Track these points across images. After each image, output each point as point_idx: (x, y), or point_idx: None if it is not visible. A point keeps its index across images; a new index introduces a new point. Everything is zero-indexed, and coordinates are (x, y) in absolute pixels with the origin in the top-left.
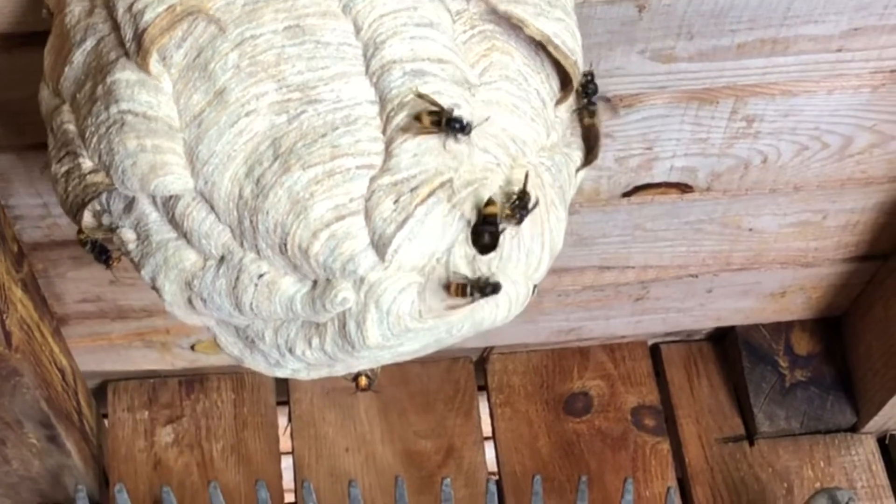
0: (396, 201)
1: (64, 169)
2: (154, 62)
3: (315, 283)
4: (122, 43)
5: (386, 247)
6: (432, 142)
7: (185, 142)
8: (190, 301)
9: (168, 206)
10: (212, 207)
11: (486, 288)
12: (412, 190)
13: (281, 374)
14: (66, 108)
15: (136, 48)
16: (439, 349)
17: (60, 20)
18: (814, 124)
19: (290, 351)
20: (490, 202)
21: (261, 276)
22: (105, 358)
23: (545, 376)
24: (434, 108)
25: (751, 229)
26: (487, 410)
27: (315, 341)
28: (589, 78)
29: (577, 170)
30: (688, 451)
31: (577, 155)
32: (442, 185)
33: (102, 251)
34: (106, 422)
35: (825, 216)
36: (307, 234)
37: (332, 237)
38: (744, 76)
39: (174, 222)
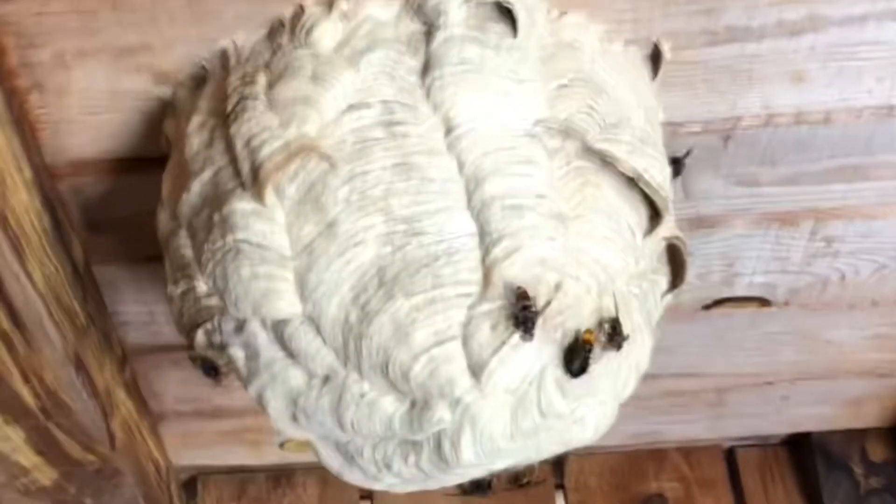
0: (493, 328)
1: (180, 291)
2: (269, 195)
3: (413, 403)
4: (238, 174)
5: (482, 370)
6: (529, 272)
7: (295, 270)
8: (294, 417)
9: (277, 328)
10: (318, 330)
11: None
12: (508, 318)
13: (378, 487)
14: (182, 232)
15: (252, 181)
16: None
17: (180, 149)
18: (892, 245)
19: (388, 467)
20: (589, 331)
21: (363, 395)
22: (197, 453)
23: (621, 477)
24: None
25: (828, 341)
26: None
27: (412, 458)
28: None
29: (664, 294)
30: None
31: (664, 280)
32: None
33: (212, 368)
34: None
35: None
36: (408, 358)
37: (431, 360)
38: (825, 200)
39: (282, 343)
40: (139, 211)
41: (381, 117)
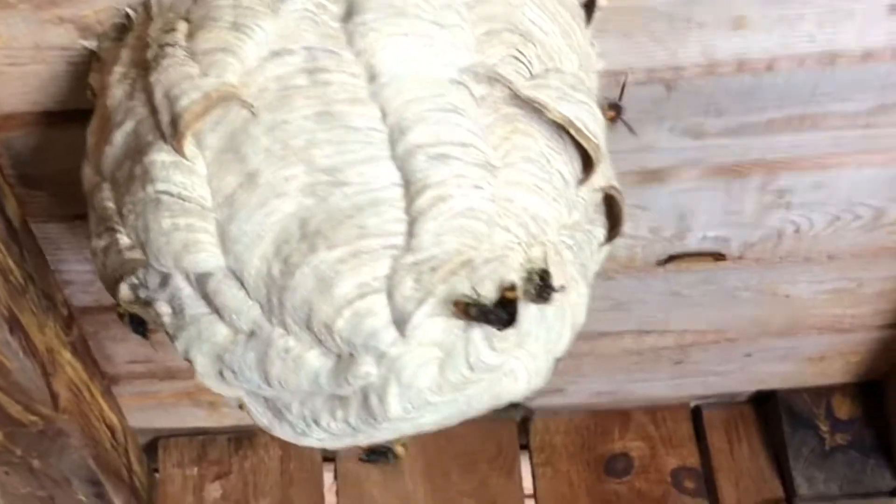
0: (417, 280)
1: (103, 244)
2: (189, 145)
3: (339, 357)
4: (158, 126)
5: (406, 323)
6: (455, 222)
7: (217, 221)
8: (221, 373)
9: (201, 282)
10: (242, 284)
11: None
12: (432, 269)
13: (307, 443)
14: (105, 185)
15: (172, 131)
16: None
17: (103, 102)
18: (845, 196)
19: (316, 422)
20: (511, 287)
21: (288, 350)
22: (155, 416)
23: (586, 437)
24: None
25: (787, 296)
26: (529, 470)
27: (339, 413)
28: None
29: (601, 245)
30: None
31: (601, 231)
32: (462, 264)
33: (139, 323)
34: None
35: (860, 284)
36: (331, 311)
37: (354, 314)
38: (773, 151)
39: (206, 298)
40: (74, 166)
41: (304, 64)
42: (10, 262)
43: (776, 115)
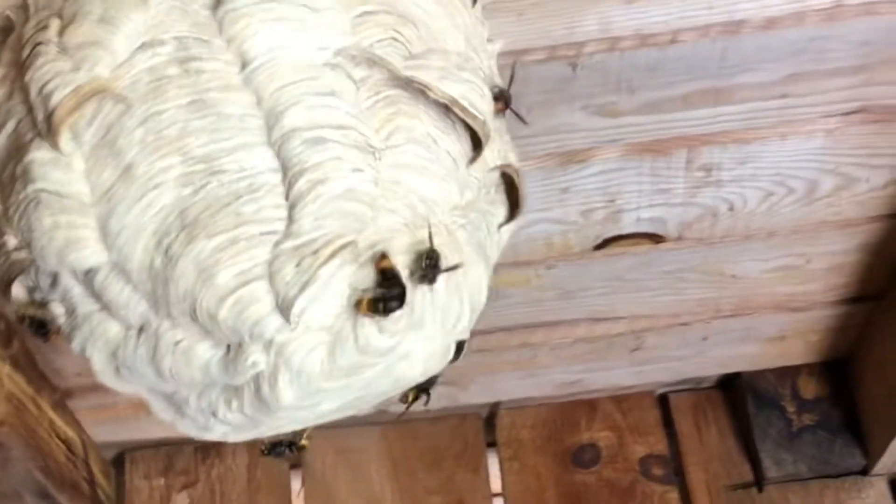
0: (298, 265)
1: None
2: (66, 141)
3: (228, 347)
4: (35, 123)
5: (289, 309)
6: (334, 205)
7: (97, 217)
8: (118, 370)
9: (88, 279)
10: (127, 279)
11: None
12: (313, 253)
13: (210, 437)
14: None
15: (47, 128)
16: (366, 407)
17: None
18: (774, 170)
19: (214, 414)
20: (383, 256)
21: (177, 343)
22: (117, 428)
23: (553, 429)
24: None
25: (734, 276)
26: (498, 465)
27: (235, 404)
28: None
29: (501, 225)
30: (696, 499)
31: (501, 211)
32: (343, 246)
33: (40, 326)
34: None
35: (808, 260)
36: (214, 301)
37: (237, 302)
38: (692, 126)
39: (95, 295)
40: None
41: (175, 54)
42: None
43: (688, 89)
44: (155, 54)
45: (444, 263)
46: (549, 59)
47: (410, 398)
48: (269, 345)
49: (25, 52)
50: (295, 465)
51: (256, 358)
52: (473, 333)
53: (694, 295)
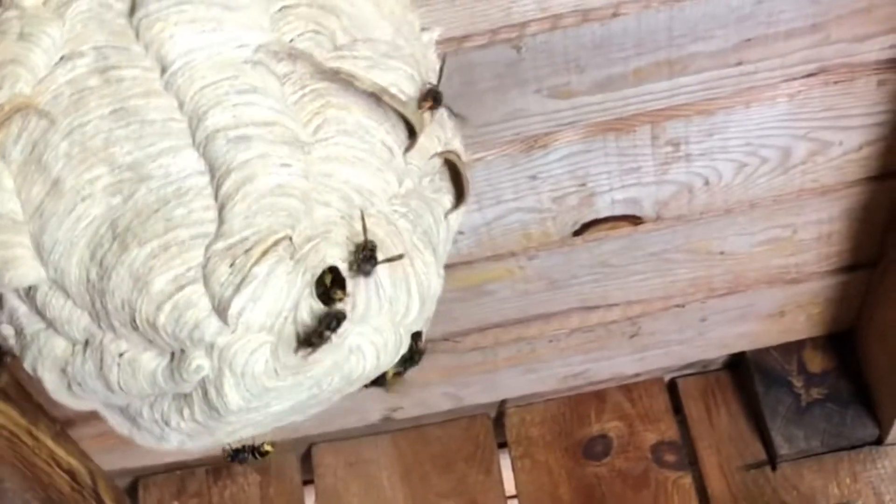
0: (232, 264)
1: None
2: None
3: (172, 355)
4: None
5: (226, 310)
6: (264, 202)
7: (31, 234)
8: (70, 387)
9: (30, 297)
10: (67, 294)
11: (330, 323)
12: (246, 251)
13: (168, 447)
14: None
15: None
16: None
17: None
18: (744, 140)
19: (167, 424)
20: (332, 270)
21: (121, 354)
22: (127, 455)
23: (563, 424)
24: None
25: (721, 252)
26: (509, 465)
27: (186, 412)
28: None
29: (448, 213)
30: (710, 482)
31: (447, 199)
32: (277, 242)
33: None
34: None
35: (794, 230)
36: (152, 308)
37: (174, 308)
38: (651, 101)
39: (39, 313)
40: None
41: (95, 64)
42: None
43: (640, 63)
44: (74, 66)
45: (382, 254)
46: (490, 44)
47: (391, 374)
48: (210, 349)
49: None
50: (308, 481)
51: (200, 363)
52: (468, 332)
53: (684, 275)
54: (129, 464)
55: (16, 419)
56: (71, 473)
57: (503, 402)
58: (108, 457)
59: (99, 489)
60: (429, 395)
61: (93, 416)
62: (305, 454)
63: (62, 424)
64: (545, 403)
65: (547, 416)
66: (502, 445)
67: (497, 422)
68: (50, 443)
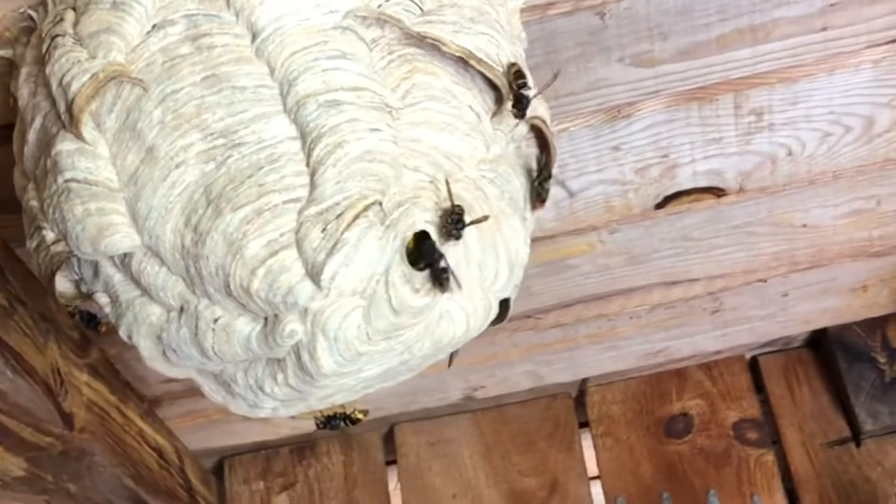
0: (324, 229)
1: (34, 243)
2: (88, 129)
3: (266, 320)
4: (58, 115)
5: (319, 275)
6: (354, 167)
7: (126, 201)
8: (165, 354)
9: (125, 264)
10: (161, 260)
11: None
12: (338, 217)
13: (262, 414)
14: (30, 185)
15: (69, 118)
16: (414, 371)
17: (18, 105)
18: (827, 108)
19: (261, 389)
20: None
21: (216, 320)
22: (212, 435)
23: (644, 402)
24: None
25: (804, 225)
26: (590, 443)
27: (280, 377)
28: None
29: (535, 180)
30: (793, 459)
31: (534, 165)
32: (367, 207)
33: (90, 318)
34: None
35: (878, 202)
36: (246, 273)
37: (268, 273)
38: (734, 69)
39: (135, 280)
40: None
41: (186, 32)
42: None
43: (724, 29)
44: (167, 35)
45: (469, 217)
46: (574, 11)
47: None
48: (304, 313)
49: (44, 47)
50: (391, 461)
51: (294, 327)
52: (549, 309)
53: (767, 249)
54: (214, 444)
55: (106, 396)
56: (158, 451)
57: (584, 381)
58: (193, 436)
59: (185, 467)
60: (510, 373)
61: (179, 396)
62: (388, 434)
63: (149, 403)
64: (626, 382)
65: (628, 394)
66: (583, 424)
67: (578, 400)
68: (138, 420)
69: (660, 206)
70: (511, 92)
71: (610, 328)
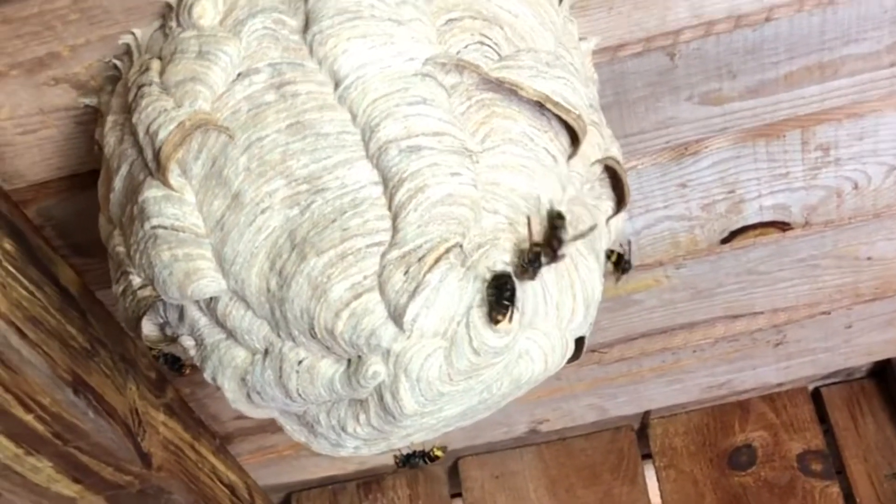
0: (406, 272)
1: (121, 288)
2: (175, 176)
3: (349, 361)
4: (145, 163)
5: (402, 317)
6: (436, 211)
7: (212, 246)
8: (249, 396)
9: (211, 308)
10: (247, 304)
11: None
12: (420, 259)
13: (344, 453)
14: (116, 231)
15: (156, 166)
16: (491, 410)
17: (104, 152)
18: (893, 142)
19: (344, 430)
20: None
21: (300, 362)
22: (281, 470)
23: (707, 434)
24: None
25: (869, 258)
26: (653, 476)
27: (362, 417)
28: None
29: (608, 219)
30: (858, 491)
31: (608, 205)
32: (448, 250)
33: (174, 361)
34: None
35: None
36: (330, 316)
37: (352, 315)
38: (802, 106)
39: (220, 323)
40: None
41: (270, 80)
42: (71, 329)
43: (791, 67)
44: (252, 83)
45: (545, 258)
46: (645, 52)
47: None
48: (386, 354)
49: (131, 96)
50: (456, 494)
51: (376, 369)
52: (614, 343)
53: (831, 281)
54: (283, 479)
55: (181, 434)
56: (231, 487)
57: (646, 413)
58: (263, 472)
59: (256, 503)
60: (574, 406)
61: (250, 433)
62: (453, 467)
63: (221, 440)
64: (688, 414)
65: (690, 426)
66: (646, 456)
67: (640, 433)
68: (211, 457)
69: (725, 240)
70: (548, 235)
71: (674, 361)
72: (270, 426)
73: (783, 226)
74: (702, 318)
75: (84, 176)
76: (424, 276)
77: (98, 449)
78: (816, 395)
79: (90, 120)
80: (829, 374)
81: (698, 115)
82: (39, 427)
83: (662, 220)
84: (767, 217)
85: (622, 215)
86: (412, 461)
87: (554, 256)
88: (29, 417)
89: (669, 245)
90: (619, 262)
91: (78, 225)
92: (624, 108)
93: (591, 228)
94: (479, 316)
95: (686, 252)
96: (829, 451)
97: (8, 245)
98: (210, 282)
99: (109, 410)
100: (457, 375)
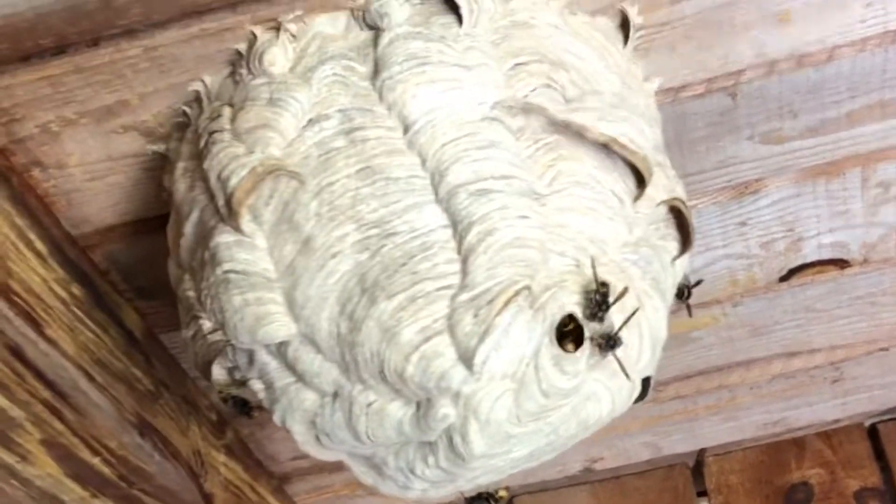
0: (476, 315)
1: (190, 333)
2: (247, 222)
3: (418, 404)
4: (217, 209)
5: (472, 359)
6: (504, 253)
7: (283, 291)
8: (318, 438)
9: (281, 352)
10: (317, 348)
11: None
12: (489, 302)
13: (412, 495)
14: (186, 276)
15: (228, 212)
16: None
17: (173, 198)
18: None
19: (412, 472)
20: (571, 319)
21: (370, 404)
22: None
23: (763, 472)
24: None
25: None
26: None
27: (431, 459)
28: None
29: (674, 259)
30: None
31: (673, 245)
32: (517, 293)
33: (243, 404)
34: None
35: None
36: (400, 359)
37: (422, 358)
38: (862, 144)
39: (290, 367)
40: None
41: (340, 126)
42: (136, 371)
43: (853, 105)
44: (321, 129)
45: (612, 298)
46: (707, 93)
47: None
48: (456, 397)
49: (202, 142)
50: None
51: (446, 411)
52: (670, 381)
53: (889, 319)
54: None
55: (240, 474)
56: None
57: (701, 451)
58: None
59: None
60: (629, 444)
61: (307, 472)
62: None
63: (279, 480)
64: (744, 451)
65: (746, 463)
66: (701, 494)
67: (695, 470)
68: (270, 497)
69: (784, 278)
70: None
71: (729, 399)
72: (327, 466)
73: (842, 263)
74: (759, 356)
75: (149, 221)
76: (494, 318)
77: (162, 491)
78: (873, 432)
79: (156, 166)
80: (886, 409)
81: (759, 154)
82: (106, 470)
83: (721, 258)
84: (826, 255)
85: (686, 255)
86: (477, 503)
87: (611, 347)
88: (96, 461)
89: (728, 283)
90: (680, 295)
91: (142, 269)
92: (685, 147)
93: (634, 312)
94: (547, 358)
95: (744, 290)
96: (886, 488)
97: (76, 290)
98: (280, 326)
99: (174, 453)
100: (525, 417)
